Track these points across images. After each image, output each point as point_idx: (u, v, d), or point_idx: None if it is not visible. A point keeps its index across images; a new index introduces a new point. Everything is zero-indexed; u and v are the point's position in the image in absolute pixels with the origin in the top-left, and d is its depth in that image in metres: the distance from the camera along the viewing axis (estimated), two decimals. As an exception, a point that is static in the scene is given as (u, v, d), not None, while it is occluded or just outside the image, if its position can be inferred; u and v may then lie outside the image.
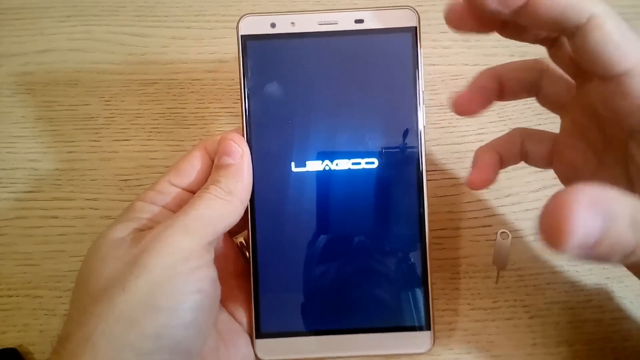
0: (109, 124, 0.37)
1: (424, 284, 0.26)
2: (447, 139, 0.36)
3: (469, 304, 0.32)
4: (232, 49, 0.39)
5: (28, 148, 0.36)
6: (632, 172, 0.21)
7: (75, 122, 0.37)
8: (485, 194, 0.34)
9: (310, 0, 0.40)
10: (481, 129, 0.36)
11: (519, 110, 0.36)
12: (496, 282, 0.32)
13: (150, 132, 0.37)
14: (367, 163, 0.26)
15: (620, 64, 0.19)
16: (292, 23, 0.26)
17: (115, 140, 0.37)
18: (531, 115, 0.36)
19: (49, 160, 0.36)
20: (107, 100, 0.38)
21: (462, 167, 0.35)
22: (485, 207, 0.34)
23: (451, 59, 0.38)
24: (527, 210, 0.34)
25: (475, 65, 0.37)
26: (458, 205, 0.34)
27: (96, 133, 0.37)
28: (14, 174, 0.36)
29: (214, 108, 0.37)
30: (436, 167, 0.35)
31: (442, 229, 0.34)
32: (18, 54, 0.39)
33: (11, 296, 0.33)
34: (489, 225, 0.34)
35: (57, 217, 0.35)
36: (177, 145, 0.36)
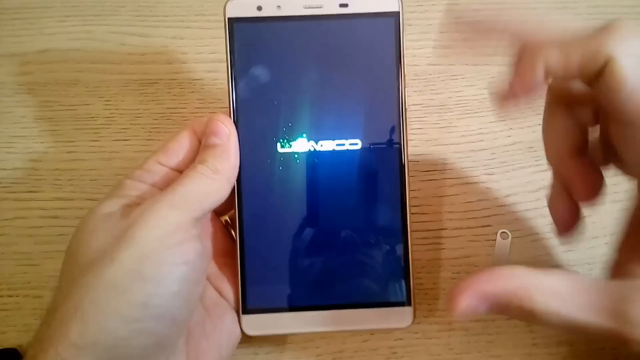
0: (109, 124, 0.37)
1: (404, 260, 0.27)
2: (447, 139, 0.36)
3: (469, 304, 0.32)
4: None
5: (28, 148, 0.36)
6: None
7: (75, 122, 0.37)
8: (485, 193, 0.34)
9: None
10: (481, 129, 0.36)
11: (520, 109, 0.36)
12: (496, 282, 0.32)
13: (150, 132, 0.37)
14: (350, 144, 0.27)
15: (631, 114, 0.19)
16: (278, 6, 0.27)
17: (115, 140, 0.37)
18: (532, 115, 0.36)
19: (49, 160, 0.36)
20: (107, 100, 0.38)
21: (462, 167, 0.35)
22: (485, 207, 0.34)
23: (451, 59, 0.38)
24: (527, 210, 0.34)
25: (475, 65, 0.37)
26: (458, 205, 0.34)
27: (96, 133, 0.37)
28: (14, 174, 0.36)
29: (214, 108, 0.37)
30: (436, 167, 0.35)
31: (442, 229, 0.34)
32: (18, 54, 0.39)
33: (11, 296, 0.33)
34: (489, 225, 0.34)
35: (57, 217, 0.35)
36: (177, 145, 0.36)
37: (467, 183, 0.35)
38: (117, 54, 0.39)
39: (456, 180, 0.35)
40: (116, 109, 0.37)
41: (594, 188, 0.23)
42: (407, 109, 0.27)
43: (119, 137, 0.37)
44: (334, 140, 0.27)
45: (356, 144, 0.27)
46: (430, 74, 0.38)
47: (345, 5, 0.27)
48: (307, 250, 0.27)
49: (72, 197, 0.35)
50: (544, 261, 0.33)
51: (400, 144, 0.27)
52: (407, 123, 0.27)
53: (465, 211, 0.34)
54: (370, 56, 0.27)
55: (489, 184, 0.35)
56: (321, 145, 0.27)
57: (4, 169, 0.36)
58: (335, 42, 0.27)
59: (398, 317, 0.27)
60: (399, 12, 0.27)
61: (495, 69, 0.37)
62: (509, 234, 0.30)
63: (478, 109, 0.37)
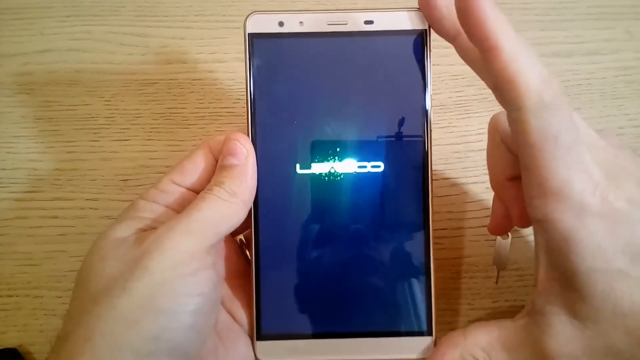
0: (109, 124, 0.37)
1: (426, 289, 0.26)
2: (447, 139, 0.36)
3: (469, 304, 0.32)
4: (232, 49, 0.39)
5: (28, 148, 0.36)
6: None
7: (75, 122, 0.37)
8: (485, 193, 0.34)
9: (310, 0, 0.40)
10: (481, 129, 0.36)
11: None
12: (496, 282, 0.32)
13: (150, 132, 0.37)
14: (373, 167, 0.26)
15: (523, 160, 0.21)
16: (301, 22, 0.26)
17: (115, 140, 0.37)
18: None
19: (49, 160, 0.36)
20: (107, 100, 0.38)
21: (462, 167, 0.35)
22: (485, 207, 0.34)
23: (451, 59, 0.38)
24: (527, 210, 0.34)
25: (475, 65, 0.37)
26: (458, 205, 0.34)
27: (96, 133, 0.37)
28: (14, 174, 0.36)
29: (214, 108, 0.37)
30: (436, 167, 0.35)
31: (442, 229, 0.34)
32: (18, 54, 0.39)
33: (11, 296, 0.33)
34: (489, 225, 0.34)
35: (57, 217, 0.35)
36: (177, 145, 0.36)
37: (467, 183, 0.35)
38: (117, 54, 0.39)
39: (456, 180, 0.35)
40: (116, 109, 0.37)
41: (526, 215, 0.22)
42: (432, 130, 0.26)
43: (119, 137, 0.37)
44: (355, 161, 0.26)
45: (378, 166, 0.26)
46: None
47: (371, 22, 0.25)
48: (325, 275, 0.26)
49: (72, 197, 0.35)
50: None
51: (424, 168, 0.26)
52: (432, 146, 0.26)
53: (465, 211, 0.34)
54: (395, 75, 0.26)
55: (489, 184, 0.35)
56: (342, 167, 0.26)
57: (4, 169, 0.36)
58: (359, 60, 0.26)
59: (418, 347, 0.26)
60: (426, 30, 0.26)
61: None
62: (509, 234, 0.30)
63: (478, 109, 0.37)
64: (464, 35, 0.21)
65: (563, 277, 0.21)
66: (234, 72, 0.38)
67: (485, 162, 0.32)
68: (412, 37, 0.26)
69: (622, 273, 0.20)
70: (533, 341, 0.22)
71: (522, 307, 0.32)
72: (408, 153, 0.26)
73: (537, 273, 0.22)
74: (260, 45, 0.26)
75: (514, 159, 0.25)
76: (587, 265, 0.20)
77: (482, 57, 0.20)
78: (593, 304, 0.20)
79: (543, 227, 0.21)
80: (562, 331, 0.21)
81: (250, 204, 0.25)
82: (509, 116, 0.20)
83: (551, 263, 0.21)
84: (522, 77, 0.19)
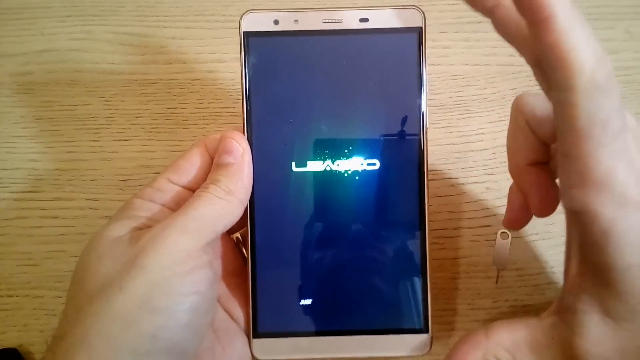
0: (109, 124, 0.37)
1: (423, 287, 0.26)
2: (447, 139, 0.36)
3: (469, 304, 0.32)
4: (232, 49, 0.39)
5: (28, 148, 0.36)
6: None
7: (75, 122, 0.37)
8: (485, 193, 0.34)
9: (310, 0, 0.40)
10: (481, 129, 0.36)
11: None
12: (496, 282, 0.32)
13: (150, 132, 0.37)
14: (368, 164, 0.26)
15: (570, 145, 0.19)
16: (296, 20, 0.26)
17: (115, 140, 0.37)
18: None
19: (49, 160, 0.36)
20: (107, 100, 0.38)
21: (462, 167, 0.35)
22: (485, 207, 0.34)
23: (451, 59, 0.38)
24: (527, 210, 0.34)
25: (475, 65, 0.37)
26: (458, 205, 0.34)
27: (96, 133, 0.37)
28: (14, 174, 0.36)
29: (214, 108, 0.37)
30: (436, 167, 0.35)
31: (442, 229, 0.34)
32: (18, 54, 0.39)
33: (11, 296, 0.33)
34: (489, 225, 0.34)
35: (57, 217, 0.35)
36: (177, 145, 0.36)
37: (467, 183, 0.35)
38: (117, 54, 0.39)
39: (456, 180, 0.35)
40: (116, 109, 0.37)
41: (547, 203, 0.22)
42: (428, 128, 0.26)
43: (119, 137, 0.37)
44: (351, 160, 0.26)
45: (374, 164, 0.26)
46: (430, 74, 0.38)
47: (366, 20, 0.26)
48: (321, 272, 0.26)
49: (72, 197, 0.35)
50: (544, 261, 0.33)
51: (420, 166, 0.26)
52: (428, 143, 0.26)
53: (465, 211, 0.34)
54: (391, 73, 0.26)
55: (489, 184, 0.35)
56: (338, 165, 0.26)
57: (4, 169, 0.36)
58: (354, 58, 0.26)
59: (415, 344, 0.26)
60: (421, 28, 0.25)
61: (495, 69, 0.37)
62: (509, 234, 0.30)
63: (478, 109, 0.37)
64: (503, 7, 0.19)
65: (597, 272, 0.20)
66: (234, 72, 0.38)
67: (485, 162, 0.32)
68: (408, 35, 0.26)
69: None
70: (562, 341, 0.21)
71: (523, 307, 0.32)
72: (403, 151, 0.26)
73: (567, 269, 0.22)
74: (255, 43, 0.26)
75: (538, 143, 0.23)
76: (626, 260, 0.19)
77: (530, 30, 0.18)
78: (629, 302, 0.19)
79: (581, 219, 0.19)
80: (593, 331, 0.20)
81: (247, 202, 0.25)
82: (553, 97, 0.18)
83: (585, 258, 0.20)
84: (577, 53, 0.16)
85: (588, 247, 0.20)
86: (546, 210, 0.24)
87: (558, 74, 0.17)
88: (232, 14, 0.40)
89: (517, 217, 0.26)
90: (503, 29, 0.20)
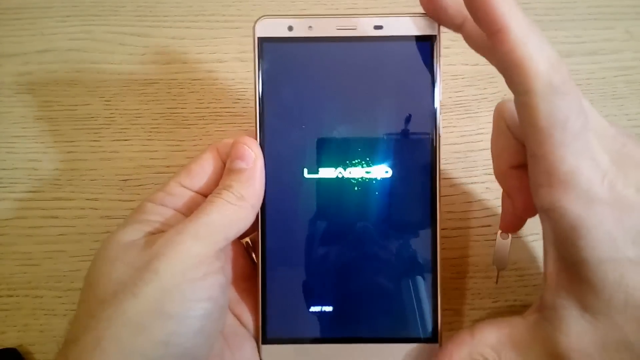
0: (109, 124, 0.37)
1: (433, 296, 0.26)
2: (447, 139, 0.36)
3: (469, 304, 0.32)
4: (232, 49, 0.39)
5: (28, 148, 0.36)
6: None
7: (75, 122, 0.37)
8: (485, 194, 0.34)
9: (310, 0, 0.40)
10: (481, 129, 0.36)
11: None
12: (496, 282, 0.32)
13: (150, 132, 0.37)
14: (381, 172, 0.26)
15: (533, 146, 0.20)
16: (310, 27, 0.25)
17: (115, 140, 0.37)
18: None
19: (49, 160, 0.36)
20: (107, 100, 0.38)
21: (462, 167, 0.35)
22: (485, 207, 0.34)
23: (451, 59, 0.38)
24: (527, 210, 0.34)
25: (475, 65, 0.37)
26: (458, 205, 0.34)
27: (96, 133, 0.37)
28: (14, 174, 0.36)
29: (214, 108, 0.37)
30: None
31: (442, 229, 0.33)
32: (18, 54, 0.39)
33: (11, 296, 0.33)
34: (489, 225, 0.34)
35: (57, 217, 0.35)
36: (177, 145, 0.36)
37: (467, 183, 0.35)
38: (117, 54, 0.39)
39: (456, 180, 0.35)
40: (116, 109, 0.37)
41: (531, 204, 0.22)
42: (441, 136, 0.26)
43: (119, 137, 0.37)
44: (363, 167, 0.26)
45: (387, 172, 0.26)
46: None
47: (380, 27, 0.25)
48: (331, 279, 0.26)
49: (72, 197, 0.35)
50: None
51: (433, 174, 0.26)
52: (441, 152, 0.26)
53: (465, 211, 0.34)
54: (405, 81, 0.26)
55: (489, 184, 0.35)
56: (350, 173, 0.26)
57: (4, 169, 0.36)
58: (368, 65, 0.26)
59: (424, 354, 0.26)
60: (435, 36, 0.25)
61: (495, 69, 0.37)
62: (509, 234, 0.30)
63: (478, 109, 0.37)
64: (470, 22, 0.21)
65: (572, 268, 0.20)
66: (234, 72, 0.38)
67: (485, 162, 0.32)
68: (422, 43, 0.25)
69: (633, 263, 0.19)
70: (544, 338, 0.21)
71: (523, 307, 0.32)
72: (416, 159, 0.26)
73: (545, 267, 0.22)
74: (269, 49, 0.26)
75: (519, 146, 0.24)
76: (597, 254, 0.19)
77: (490, 41, 0.19)
78: (604, 296, 0.20)
79: (550, 216, 0.20)
80: (573, 326, 0.20)
81: (258, 208, 0.25)
82: (516, 100, 0.20)
83: (560, 255, 0.21)
84: (530, 60, 0.18)
85: (561, 244, 0.20)
86: (531, 210, 0.25)
87: (516, 79, 0.19)
88: (232, 14, 0.40)
89: (512, 220, 0.27)
90: (471, 42, 0.23)
